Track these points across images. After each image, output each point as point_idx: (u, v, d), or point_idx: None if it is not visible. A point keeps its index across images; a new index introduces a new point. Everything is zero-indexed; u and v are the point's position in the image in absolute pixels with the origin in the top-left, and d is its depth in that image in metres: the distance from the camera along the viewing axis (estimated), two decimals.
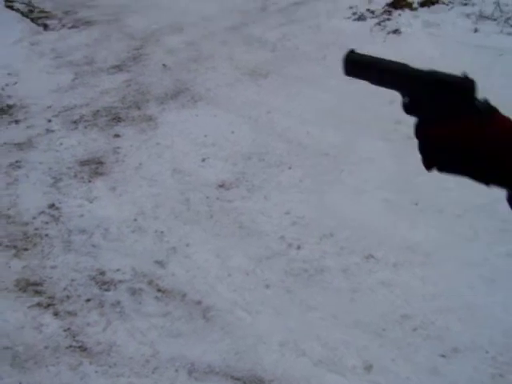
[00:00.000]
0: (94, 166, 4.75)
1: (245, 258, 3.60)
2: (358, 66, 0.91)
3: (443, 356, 2.88)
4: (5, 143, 5.59)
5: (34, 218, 4.14)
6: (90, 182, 4.51)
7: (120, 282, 3.51)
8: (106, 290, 3.46)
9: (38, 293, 3.50)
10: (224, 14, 9.38)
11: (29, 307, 3.38)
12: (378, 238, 3.69)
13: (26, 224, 4.09)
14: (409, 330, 3.04)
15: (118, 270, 3.60)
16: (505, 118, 0.82)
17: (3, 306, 3.38)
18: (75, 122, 5.80)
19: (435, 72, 0.83)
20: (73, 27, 10.65)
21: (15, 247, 3.87)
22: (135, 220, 3.94)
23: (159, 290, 3.42)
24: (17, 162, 5.10)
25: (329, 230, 3.79)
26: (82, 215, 4.08)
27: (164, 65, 7.15)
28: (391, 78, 0.88)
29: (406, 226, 3.77)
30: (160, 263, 3.60)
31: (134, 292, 3.41)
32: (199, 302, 3.31)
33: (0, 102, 6.97)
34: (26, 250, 3.84)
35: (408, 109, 0.86)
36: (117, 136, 5.28)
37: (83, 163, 4.85)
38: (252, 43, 7.43)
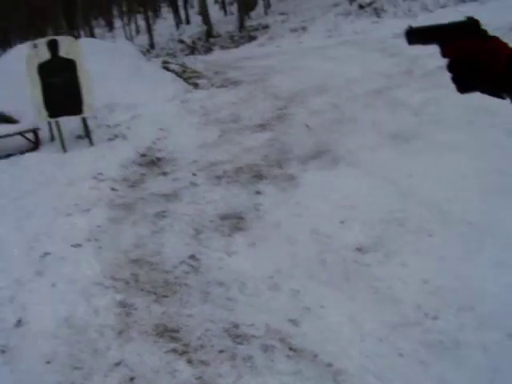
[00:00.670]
0: (234, 221, 4.91)
1: (379, 324, 3.52)
2: (414, 35, 1.22)
3: None
4: (153, 193, 5.94)
5: (175, 266, 4.32)
6: (229, 236, 4.65)
7: (253, 336, 3.55)
8: (239, 344, 3.51)
9: (174, 339, 3.61)
10: (368, 77, 9.48)
11: (165, 352, 3.49)
12: None
13: (168, 272, 4.28)
14: None
15: (251, 324, 3.64)
16: (499, 39, 1.14)
17: (142, 348, 3.53)
18: (219, 178, 6.04)
19: (454, 21, 1.17)
20: (221, 86, 11.22)
21: (156, 293, 4.05)
22: (272, 277, 3.99)
23: (291, 349, 3.42)
24: (163, 211, 5.39)
25: (468, 302, 3.63)
26: (220, 268, 4.20)
27: (307, 125, 7.31)
28: (432, 35, 1.20)
29: None
30: (293, 322, 3.61)
31: (266, 348, 3.43)
32: (330, 364, 3.27)
33: (151, 154, 7.44)
34: (165, 296, 4.00)
35: (443, 51, 1.17)
36: (258, 193, 5.44)
37: (224, 217, 5.02)
38: (395, 107, 7.42)
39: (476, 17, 1.17)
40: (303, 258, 4.12)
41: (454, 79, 1.18)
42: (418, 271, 3.89)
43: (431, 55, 8.34)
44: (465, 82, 1.18)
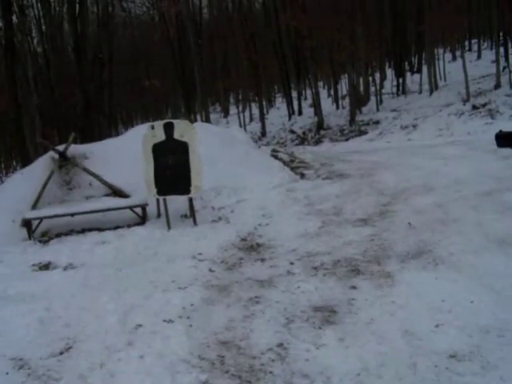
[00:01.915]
0: (326, 314, 4.84)
1: None
2: (503, 139, 1.42)
3: None
4: (249, 278, 5.99)
5: (262, 353, 4.28)
6: (320, 328, 4.58)
7: None
8: None
9: None
10: (477, 178, 9.31)
11: None
12: None
13: (254, 358, 4.24)
14: None
15: None
16: None
17: None
18: (315, 269, 6.03)
19: None
20: (327, 178, 11.36)
21: (240, 377, 4.00)
22: (358, 375, 3.86)
23: None
24: (256, 297, 5.41)
25: None
26: (307, 359, 4.12)
27: (409, 223, 7.21)
28: None
29: None
30: None
31: None
32: None
33: (251, 239, 7.56)
34: (249, 382, 3.94)
35: None
36: (353, 288, 5.36)
37: (316, 309, 4.97)
38: (504, 211, 7.20)
39: None
40: (393, 358, 3.97)
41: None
42: None
43: None
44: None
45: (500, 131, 1.17)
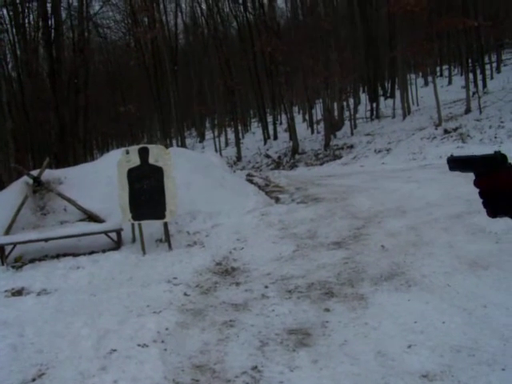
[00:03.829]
0: (300, 336, 4.87)
1: None
2: (453, 163, 1.45)
3: None
4: (223, 302, 6.01)
5: (237, 376, 4.28)
6: (294, 351, 4.60)
7: None
8: None
9: None
10: (449, 201, 9.45)
11: None
12: None
13: (228, 381, 4.23)
14: None
15: None
16: None
17: None
18: (290, 292, 6.06)
19: (485, 154, 1.37)
20: (301, 202, 11.44)
21: None
22: None
23: None
24: (231, 321, 5.42)
25: None
26: (281, 382, 4.13)
27: (383, 246, 7.29)
28: (467, 165, 1.41)
29: None
30: None
31: None
32: None
33: (226, 264, 7.58)
34: None
35: (475, 181, 1.38)
36: (327, 310, 5.40)
37: (291, 332, 4.99)
38: (475, 233, 7.32)
39: (504, 151, 1.35)
40: (365, 379, 4.00)
41: (485, 204, 1.39)
42: None
43: None
44: (495, 208, 1.39)
45: (451, 156, 1.28)
